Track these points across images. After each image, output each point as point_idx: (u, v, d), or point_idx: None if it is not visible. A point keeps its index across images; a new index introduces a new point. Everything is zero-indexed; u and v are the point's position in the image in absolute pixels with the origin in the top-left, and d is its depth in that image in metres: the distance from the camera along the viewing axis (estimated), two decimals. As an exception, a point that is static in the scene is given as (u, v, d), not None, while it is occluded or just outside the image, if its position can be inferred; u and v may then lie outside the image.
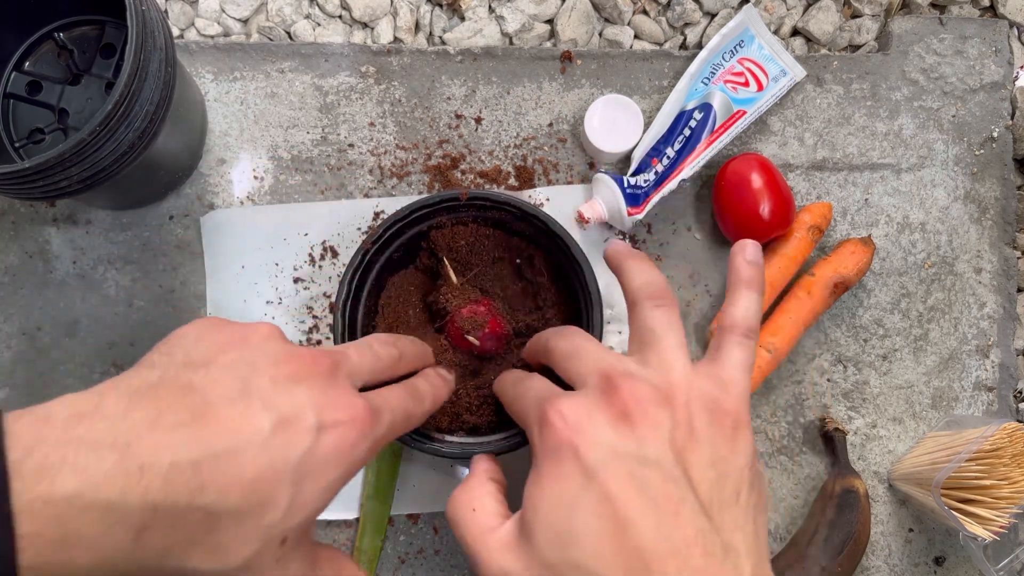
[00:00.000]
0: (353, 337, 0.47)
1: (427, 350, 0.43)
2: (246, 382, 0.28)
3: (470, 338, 0.47)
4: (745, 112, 0.59)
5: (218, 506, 0.26)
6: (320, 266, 0.58)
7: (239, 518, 0.26)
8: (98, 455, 0.24)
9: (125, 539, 0.24)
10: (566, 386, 0.35)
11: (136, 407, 0.26)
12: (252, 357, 0.29)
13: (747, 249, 0.35)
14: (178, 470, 0.25)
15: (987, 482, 0.54)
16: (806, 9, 0.64)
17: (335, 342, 0.47)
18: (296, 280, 0.58)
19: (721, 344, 0.34)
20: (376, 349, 0.37)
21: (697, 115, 0.58)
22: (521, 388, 0.35)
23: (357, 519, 0.57)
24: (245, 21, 0.61)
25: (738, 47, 0.60)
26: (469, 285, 0.50)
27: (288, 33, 0.62)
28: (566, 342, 0.36)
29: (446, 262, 0.50)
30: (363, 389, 0.34)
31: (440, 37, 0.63)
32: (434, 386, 0.41)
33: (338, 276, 0.58)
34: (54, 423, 0.24)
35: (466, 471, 0.58)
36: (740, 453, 0.30)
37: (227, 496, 0.26)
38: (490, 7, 0.63)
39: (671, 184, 0.57)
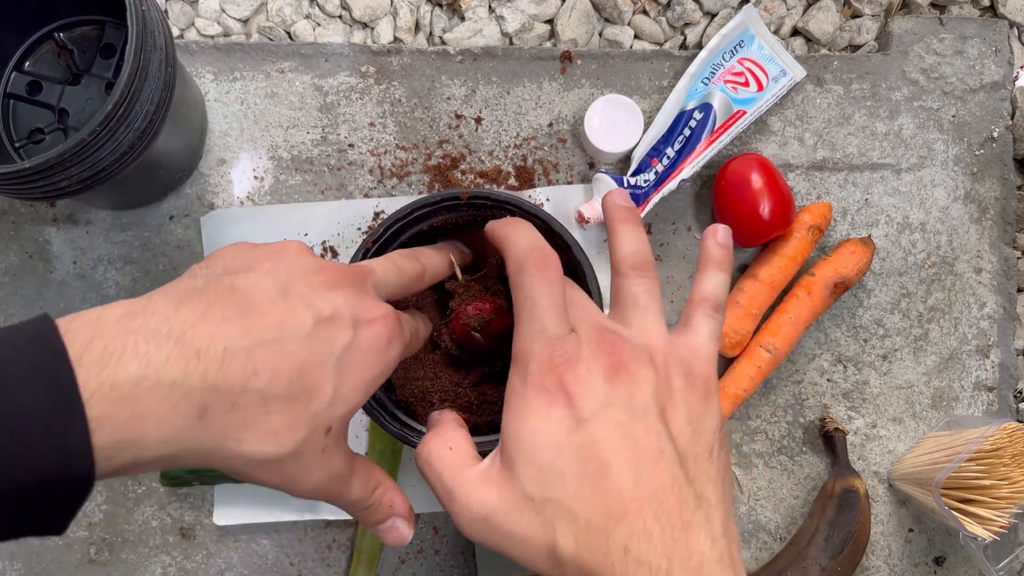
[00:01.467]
0: None
1: (447, 259, 0.45)
2: (285, 285, 0.30)
3: (475, 334, 0.47)
4: (745, 112, 0.59)
5: (270, 390, 0.27)
6: (320, 266, 0.58)
7: (289, 402, 0.28)
8: (156, 342, 0.25)
9: (190, 417, 0.25)
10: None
11: (185, 305, 0.27)
12: (288, 266, 0.31)
13: (718, 232, 0.37)
14: (232, 355, 0.26)
15: (987, 482, 0.54)
16: (806, 9, 0.64)
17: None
18: (296, 280, 0.58)
19: (691, 316, 0.36)
20: (399, 263, 0.39)
21: (697, 115, 0.58)
22: (533, 290, 0.34)
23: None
24: (245, 21, 0.61)
25: (738, 47, 0.60)
26: (473, 283, 0.51)
27: (288, 33, 0.62)
28: (567, 289, 0.37)
29: (452, 258, 0.50)
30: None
31: (440, 37, 0.63)
32: (423, 318, 0.44)
33: (338, 276, 0.58)
34: (108, 320, 0.25)
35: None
36: (712, 415, 0.32)
37: (278, 380, 0.27)
38: (490, 7, 0.63)
39: (671, 184, 0.57)
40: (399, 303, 0.48)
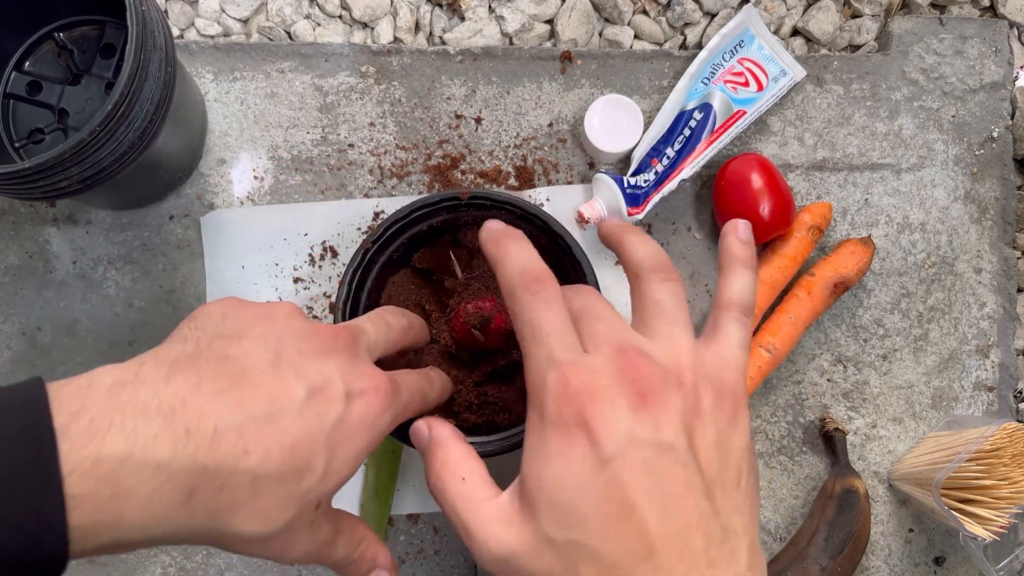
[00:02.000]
0: None
1: (425, 325, 0.45)
2: (278, 354, 0.29)
3: (475, 332, 0.47)
4: (745, 112, 0.59)
5: (261, 469, 0.26)
6: (320, 266, 0.58)
7: (280, 482, 0.27)
8: (145, 418, 0.24)
9: (176, 500, 0.25)
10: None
11: (176, 375, 0.26)
12: (279, 330, 0.30)
13: (739, 228, 0.35)
14: (222, 434, 0.25)
15: (987, 482, 0.54)
16: (806, 9, 0.64)
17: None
18: (296, 280, 0.58)
19: (719, 322, 0.33)
20: (388, 319, 0.38)
21: (697, 115, 0.58)
22: (532, 314, 0.31)
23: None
24: (245, 21, 0.61)
25: (738, 47, 0.60)
26: (472, 281, 0.51)
27: (288, 33, 0.62)
28: (581, 299, 0.33)
29: (452, 256, 0.50)
30: (378, 363, 0.35)
31: (440, 37, 0.63)
32: (441, 379, 0.42)
33: (338, 276, 0.58)
34: (98, 389, 0.25)
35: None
36: (740, 433, 0.30)
37: (269, 459, 0.27)
38: (490, 7, 0.63)
39: (671, 184, 0.57)
40: (419, 357, 0.47)
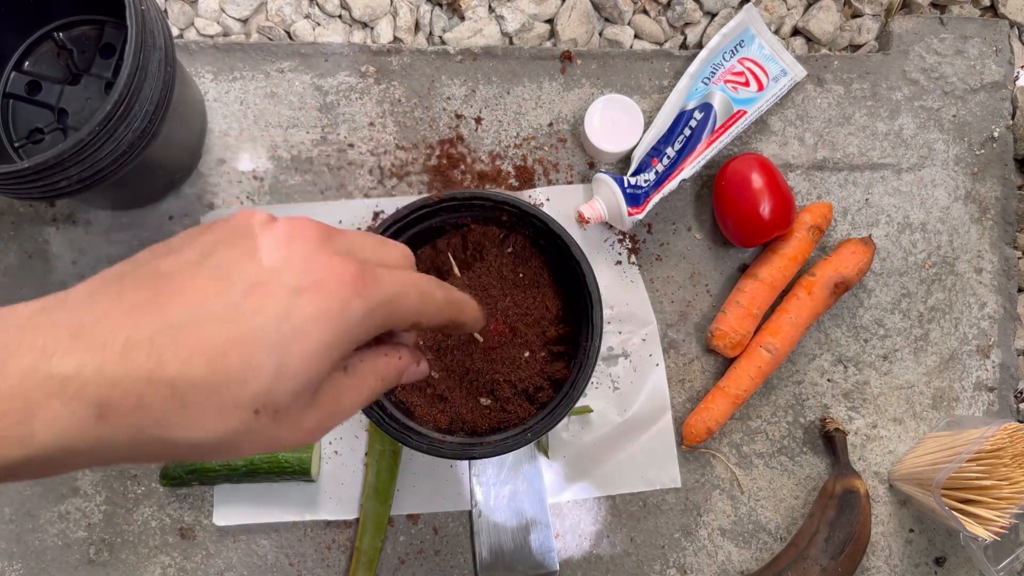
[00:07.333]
0: None
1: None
2: (210, 254, 0.27)
3: (476, 335, 0.47)
4: (745, 112, 0.59)
5: (182, 379, 0.24)
6: (320, 266, 0.58)
7: (212, 390, 0.25)
8: (55, 336, 0.24)
9: (87, 416, 0.24)
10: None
11: (101, 294, 0.25)
12: (222, 234, 0.28)
13: None
14: (135, 345, 0.24)
15: (988, 482, 0.53)
16: (806, 9, 0.64)
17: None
18: (296, 280, 0.58)
19: None
20: (388, 243, 0.33)
21: (697, 115, 0.58)
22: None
23: (357, 519, 0.57)
24: (245, 21, 0.61)
25: (738, 47, 0.60)
26: (471, 282, 0.51)
27: (288, 33, 0.62)
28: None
29: (450, 256, 0.50)
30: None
31: (440, 37, 0.63)
32: (468, 300, 0.35)
33: (338, 276, 0.58)
34: (18, 315, 0.24)
35: (465, 469, 0.58)
36: None
37: (191, 368, 0.25)
38: (490, 7, 0.63)
39: (671, 184, 0.57)
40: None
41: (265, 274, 0.27)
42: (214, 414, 0.25)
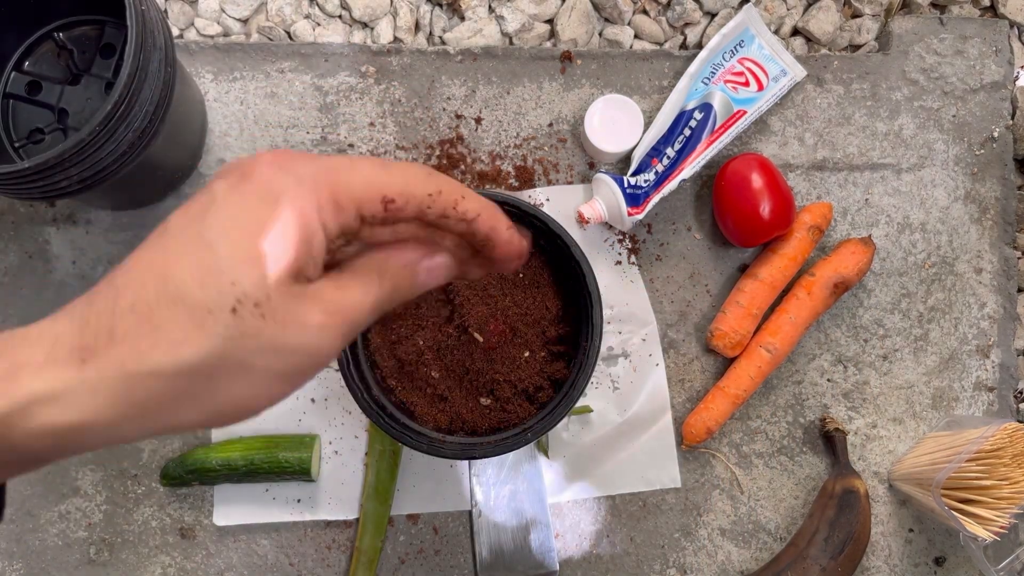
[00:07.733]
0: (354, 339, 0.48)
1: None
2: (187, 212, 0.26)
3: (476, 335, 0.47)
4: (745, 112, 0.59)
5: (142, 301, 0.24)
6: (320, 266, 0.58)
7: (173, 302, 0.24)
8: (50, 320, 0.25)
9: (70, 361, 0.24)
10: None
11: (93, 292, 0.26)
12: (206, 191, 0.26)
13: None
14: (96, 290, 0.25)
15: (987, 482, 0.54)
16: (806, 9, 0.64)
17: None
18: (296, 280, 0.58)
19: None
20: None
21: (697, 115, 0.58)
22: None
23: (357, 519, 0.57)
24: (245, 21, 0.61)
25: (738, 47, 0.60)
26: (471, 282, 0.51)
27: (288, 33, 0.62)
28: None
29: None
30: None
31: (440, 37, 0.63)
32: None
33: (338, 276, 0.58)
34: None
35: (465, 469, 0.58)
36: None
37: (145, 288, 0.24)
38: (490, 7, 0.63)
39: (671, 184, 0.57)
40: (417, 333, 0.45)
41: (208, 194, 0.25)
42: (189, 325, 0.24)
